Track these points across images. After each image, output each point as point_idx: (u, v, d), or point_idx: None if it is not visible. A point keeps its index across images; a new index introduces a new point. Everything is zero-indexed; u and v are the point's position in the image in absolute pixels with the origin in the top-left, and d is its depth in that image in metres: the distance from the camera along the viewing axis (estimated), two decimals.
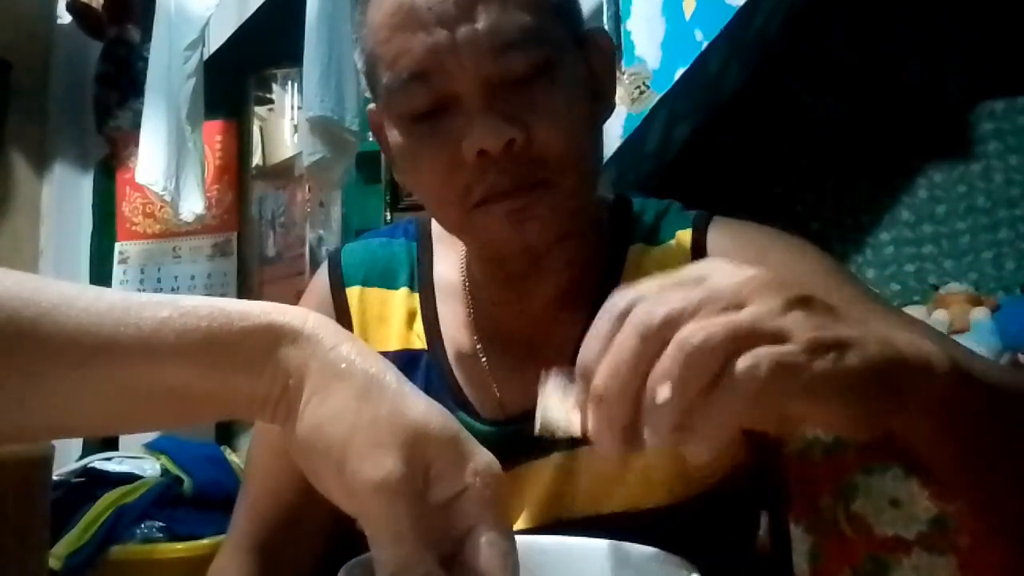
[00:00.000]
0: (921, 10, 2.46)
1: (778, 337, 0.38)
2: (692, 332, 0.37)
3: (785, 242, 0.72)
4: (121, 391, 0.40)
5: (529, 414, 0.70)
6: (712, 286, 0.39)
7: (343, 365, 0.40)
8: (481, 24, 0.60)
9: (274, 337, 0.40)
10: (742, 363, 0.36)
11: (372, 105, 0.71)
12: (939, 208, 2.52)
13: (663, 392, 0.37)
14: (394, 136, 0.66)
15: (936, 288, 2.41)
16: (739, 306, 0.38)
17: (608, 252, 0.75)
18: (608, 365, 0.39)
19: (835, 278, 0.68)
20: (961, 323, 2.26)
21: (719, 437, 0.37)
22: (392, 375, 0.41)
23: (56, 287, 0.40)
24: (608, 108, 0.71)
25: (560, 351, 0.69)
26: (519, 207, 0.62)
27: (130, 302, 0.40)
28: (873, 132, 2.52)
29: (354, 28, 0.68)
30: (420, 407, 0.40)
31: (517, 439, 0.66)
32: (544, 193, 0.63)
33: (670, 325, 0.38)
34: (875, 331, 0.41)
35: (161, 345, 0.39)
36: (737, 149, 2.57)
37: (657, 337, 0.38)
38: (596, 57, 0.69)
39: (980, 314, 2.28)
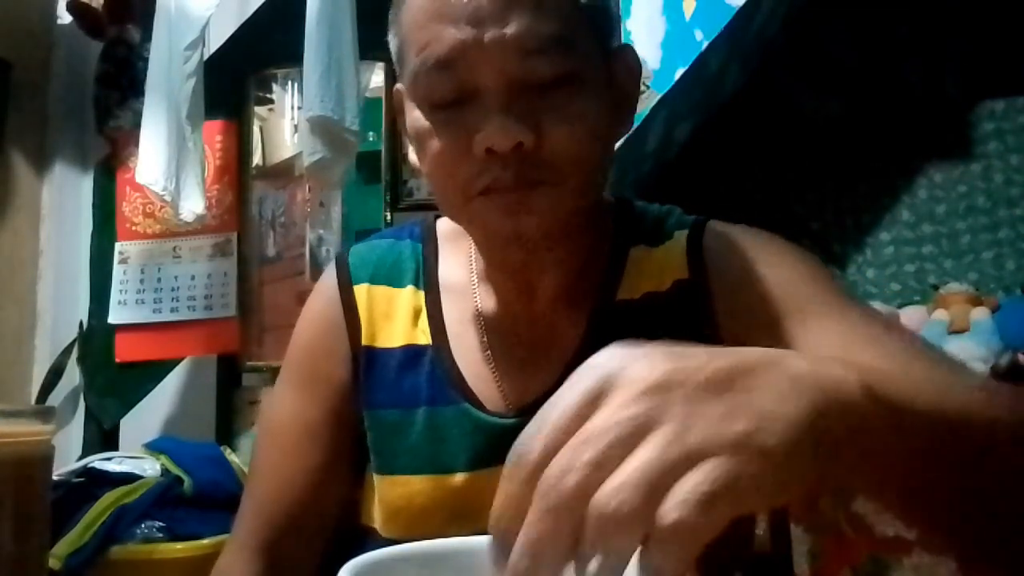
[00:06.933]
0: (921, 10, 2.46)
1: (691, 456, 0.34)
2: (605, 501, 0.33)
3: (771, 248, 0.73)
4: None
5: (532, 407, 0.72)
6: (608, 421, 0.35)
7: None
8: (511, 28, 0.61)
9: None
10: (667, 517, 0.33)
11: (399, 85, 0.72)
12: (939, 208, 2.52)
13: (592, 567, 0.33)
14: (414, 118, 0.68)
15: (936, 288, 2.41)
16: (645, 431, 0.35)
17: (610, 253, 0.76)
18: (526, 546, 0.35)
19: (812, 286, 0.69)
20: (961, 323, 2.26)
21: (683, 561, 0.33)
22: None
23: None
24: (627, 126, 0.72)
25: (562, 348, 0.73)
26: (517, 199, 0.64)
27: None
28: (873, 132, 2.52)
29: (391, 7, 0.70)
30: None
31: (521, 431, 0.66)
32: (544, 191, 0.64)
33: (580, 497, 0.34)
34: (775, 392, 0.36)
35: None
36: (737, 149, 2.57)
37: (571, 514, 0.34)
38: (623, 76, 0.71)
39: (980, 314, 2.28)
